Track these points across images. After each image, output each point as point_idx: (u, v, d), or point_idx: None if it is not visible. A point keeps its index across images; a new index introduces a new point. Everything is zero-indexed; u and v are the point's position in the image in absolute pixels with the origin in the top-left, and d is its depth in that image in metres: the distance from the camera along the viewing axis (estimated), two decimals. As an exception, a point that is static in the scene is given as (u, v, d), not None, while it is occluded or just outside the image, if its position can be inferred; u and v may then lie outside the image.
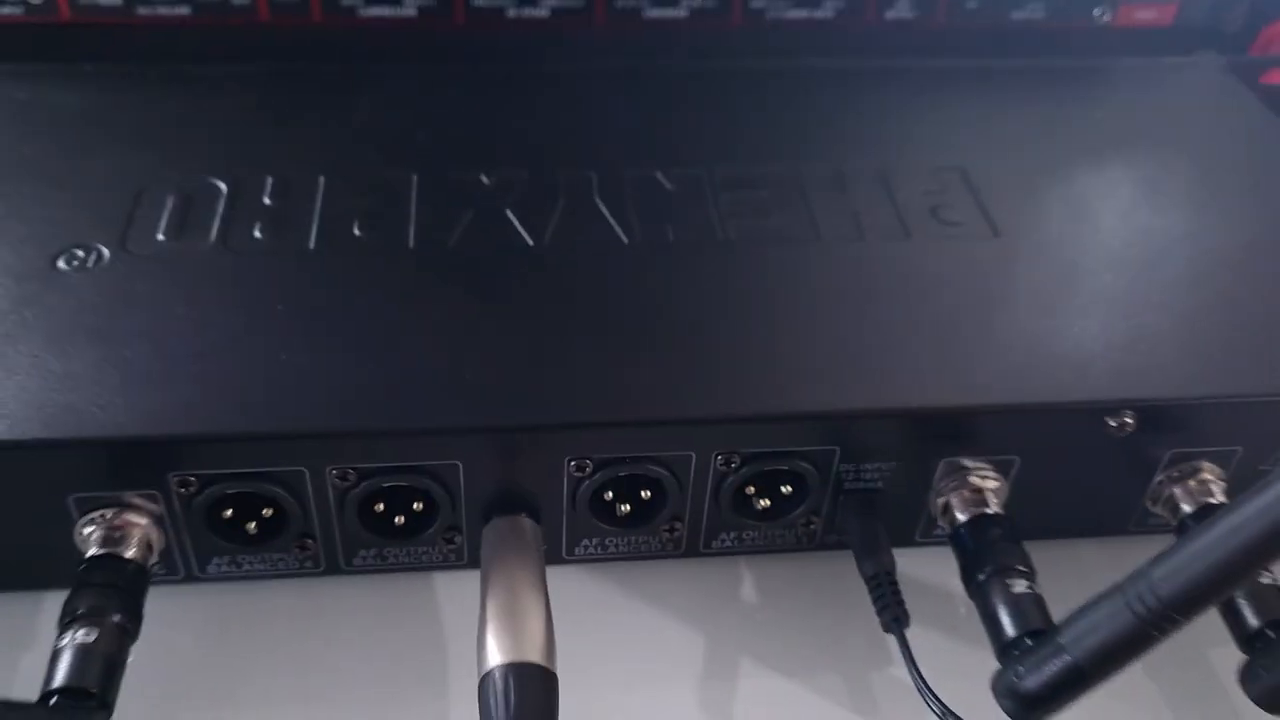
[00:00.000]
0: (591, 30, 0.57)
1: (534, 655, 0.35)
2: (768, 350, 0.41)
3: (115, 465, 0.37)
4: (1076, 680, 0.33)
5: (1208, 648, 0.39)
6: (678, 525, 0.41)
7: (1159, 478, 0.41)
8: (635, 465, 0.39)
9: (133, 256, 0.42)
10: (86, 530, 0.37)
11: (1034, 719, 0.35)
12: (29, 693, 0.34)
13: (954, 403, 0.39)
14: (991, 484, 0.40)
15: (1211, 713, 0.39)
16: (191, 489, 0.37)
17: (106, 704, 0.34)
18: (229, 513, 0.39)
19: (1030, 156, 0.50)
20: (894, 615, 0.38)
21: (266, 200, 0.45)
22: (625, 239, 0.45)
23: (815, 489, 0.40)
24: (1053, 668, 0.34)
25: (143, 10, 0.54)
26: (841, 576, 0.41)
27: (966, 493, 0.40)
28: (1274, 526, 0.29)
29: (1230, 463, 0.40)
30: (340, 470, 0.38)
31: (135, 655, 0.36)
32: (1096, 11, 0.58)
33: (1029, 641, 0.35)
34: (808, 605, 0.43)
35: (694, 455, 0.39)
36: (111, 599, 0.36)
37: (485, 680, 0.34)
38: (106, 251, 0.42)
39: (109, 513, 0.37)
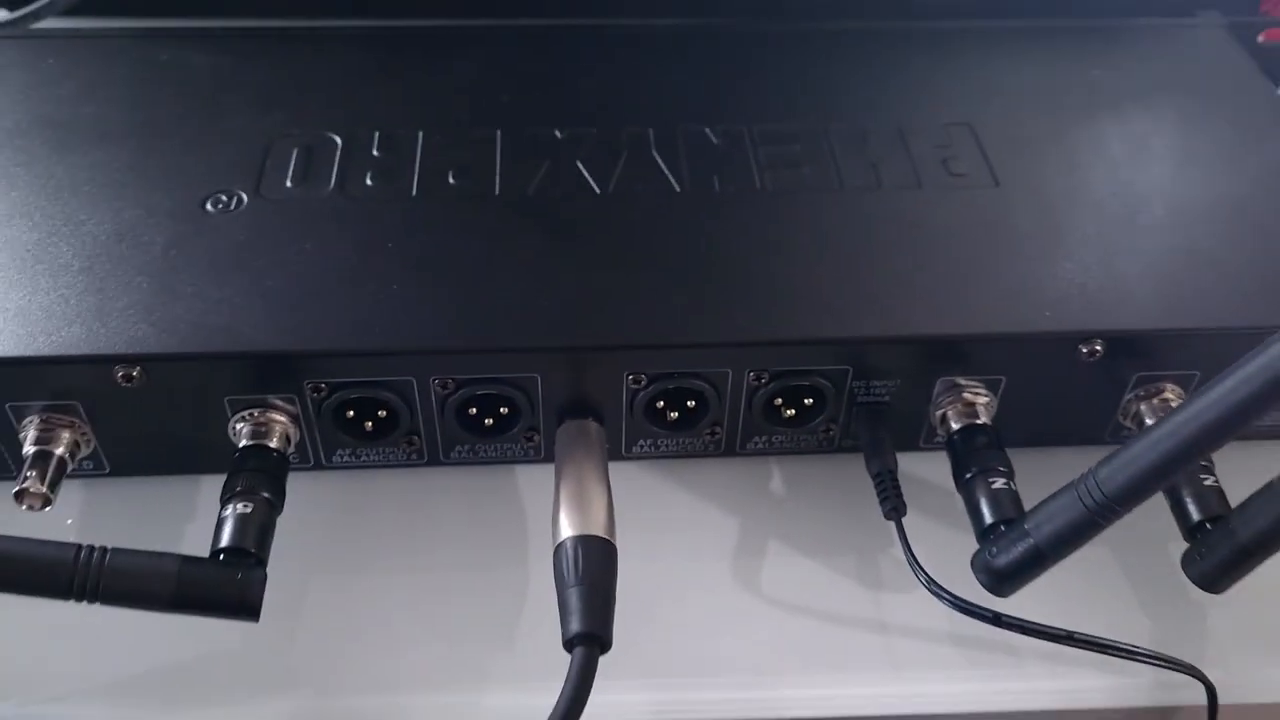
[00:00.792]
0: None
1: (598, 530, 0.38)
2: (794, 284, 0.43)
3: (261, 373, 0.41)
4: (1037, 560, 0.37)
5: (1165, 541, 0.41)
6: (717, 429, 0.44)
7: (1128, 396, 0.44)
8: (682, 380, 0.42)
9: (266, 201, 0.46)
10: (238, 426, 0.42)
11: (1003, 591, 0.38)
12: (195, 553, 0.38)
13: (950, 331, 0.42)
14: (982, 399, 0.43)
15: (1164, 589, 0.43)
16: (322, 394, 0.41)
17: (262, 561, 0.38)
18: (351, 414, 0.43)
19: (1031, 113, 0.52)
20: (893, 505, 0.42)
21: (375, 152, 0.49)
22: (677, 188, 0.48)
23: (832, 402, 0.43)
24: (1018, 549, 0.37)
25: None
26: (853, 475, 0.44)
27: (960, 406, 0.43)
28: (1189, 440, 0.33)
29: (1190, 385, 0.43)
30: (441, 380, 0.41)
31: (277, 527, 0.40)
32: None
33: (1003, 528, 0.39)
34: (825, 497, 0.46)
35: (730, 372, 0.42)
36: (261, 480, 0.40)
37: (559, 549, 0.38)
38: (245, 196, 0.46)
39: (256, 412, 0.41)
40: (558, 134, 0.50)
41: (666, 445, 0.45)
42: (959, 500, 0.42)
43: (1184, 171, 0.49)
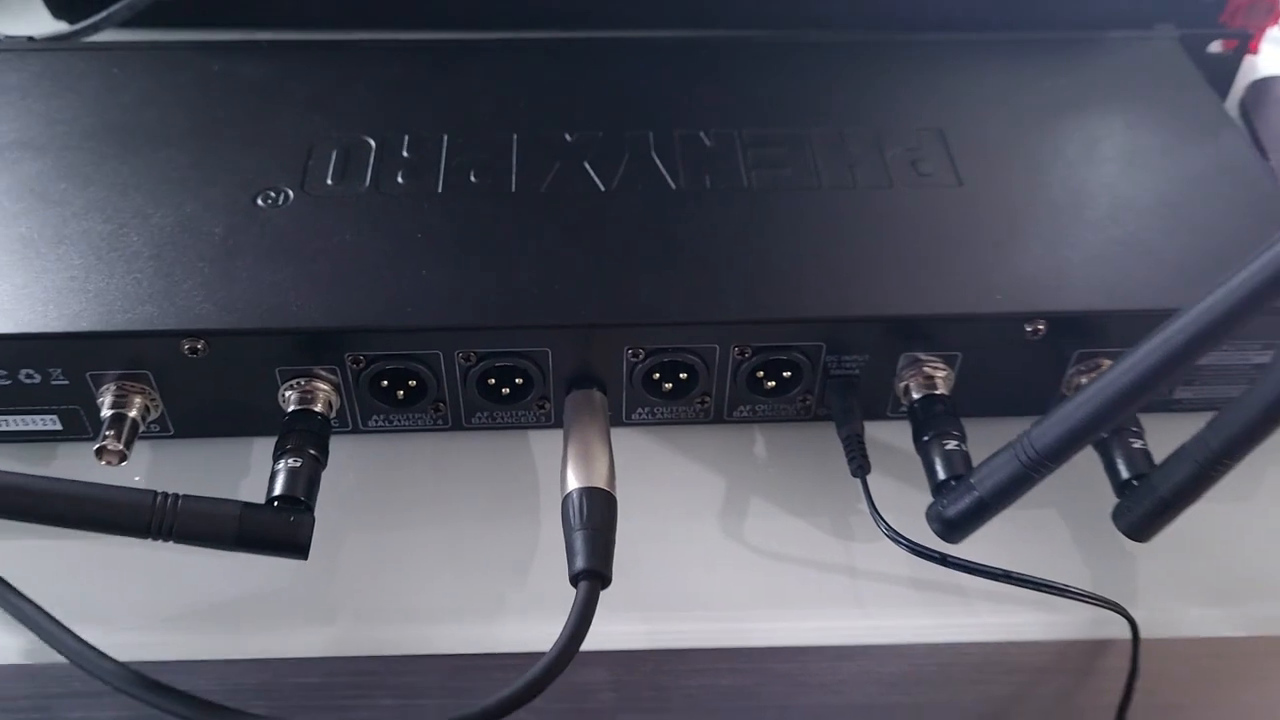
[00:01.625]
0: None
1: (601, 483, 0.41)
2: (776, 271, 0.46)
3: (307, 347, 0.44)
4: (981, 510, 0.40)
5: (1099, 497, 0.43)
6: (706, 399, 0.47)
7: (1070, 371, 0.46)
8: (675, 354, 0.45)
9: (310, 196, 0.49)
10: (287, 393, 0.45)
11: (953, 538, 0.42)
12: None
13: (913, 311, 0.44)
14: (940, 373, 0.46)
15: (1098, 539, 0.45)
16: (360, 365, 0.44)
17: (310, 508, 0.42)
18: (385, 383, 0.45)
19: (995, 120, 0.54)
20: (859, 464, 0.45)
21: (405, 154, 0.51)
22: (673, 185, 0.50)
23: (808, 374, 0.46)
24: (965, 501, 0.40)
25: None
26: (827, 440, 0.47)
27: (921, 379, 0.46)
28: (1101, 406, 0.37)
29: (1126, 361, 0.46)
30: (464, 354, 0.44)
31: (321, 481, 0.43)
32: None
33: (953, 483, 0.42)
34: (801, 460, 0.48)
35: (718, 347, 0.45)
36: (308, 439, 0.43)
37: (566, 500, 0.41)
38: (291, 193, 0.49)
39: (302, 380, 0.44)
40: (567, 137, 0.53)
41: (661, 413, 0.48)
42: (919, 463, 0.45)
43: (1127, 172, 0.51)
